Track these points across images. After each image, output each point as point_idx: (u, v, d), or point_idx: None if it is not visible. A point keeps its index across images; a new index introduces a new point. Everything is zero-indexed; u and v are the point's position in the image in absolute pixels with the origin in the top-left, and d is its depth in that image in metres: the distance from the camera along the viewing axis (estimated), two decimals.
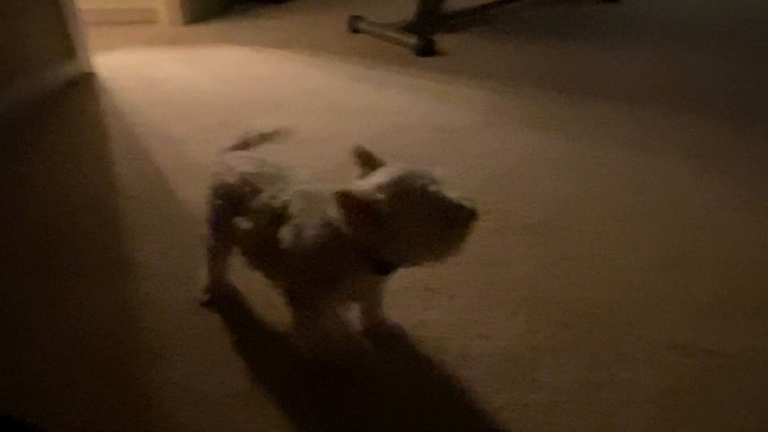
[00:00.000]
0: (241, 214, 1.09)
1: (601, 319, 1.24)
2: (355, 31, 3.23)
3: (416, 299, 1.31)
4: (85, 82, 2.69)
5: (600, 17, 3.29)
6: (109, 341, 1.24)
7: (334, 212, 0.91)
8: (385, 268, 1.00)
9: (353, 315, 1.24)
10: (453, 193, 0.92)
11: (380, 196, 0.89)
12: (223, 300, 1.32)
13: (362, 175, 0.96)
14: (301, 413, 1.06)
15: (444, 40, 2.94)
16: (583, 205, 1.63)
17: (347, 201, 0.89)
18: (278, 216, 1.03)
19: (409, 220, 0.90)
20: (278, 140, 1.27)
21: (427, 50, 2.85)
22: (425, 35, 2.88)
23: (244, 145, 1.25)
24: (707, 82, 2.41)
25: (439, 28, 3.10)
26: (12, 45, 2.43)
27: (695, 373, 1.11)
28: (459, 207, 0.91)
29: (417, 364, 1.16)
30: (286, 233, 1.01)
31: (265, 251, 1.07)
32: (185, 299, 1.33)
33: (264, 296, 1.32)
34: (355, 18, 3.22)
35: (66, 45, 2.69)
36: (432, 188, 0.90)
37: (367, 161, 0.97)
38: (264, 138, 1.26)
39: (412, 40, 2.88)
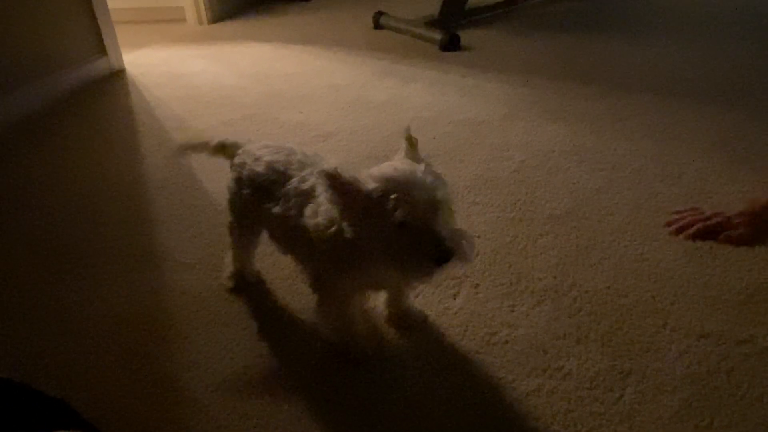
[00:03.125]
0: (272, 200, 1.10)
1: (629, 309, 1.22)
2: (380, 27, 3.23)
3: (441, 287, 1.31)
4: (116, 79, 2.75)
5: (625, 10, 3.24)
6: (138, 326, 1.26)
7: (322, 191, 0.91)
8: None
9: (379, 302, 1.24)
10: (446, 225, 0.87)
11: (372, 185, 0.87)
12: (248, 287, 1.34)
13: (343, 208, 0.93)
14: (325, 398, 1.07)
15: (468, 35, 2.93)
16: (609, 195, 1.61)
17: (333, 182, 0.88)
18: (305, 197, 1.04)
19: (385, 224, 0.87)
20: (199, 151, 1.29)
21: (451, 45, 2.84)
22: (450, 30, 2.87)
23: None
24: (733, 73, 2.36)
25: (464, 24, 3.09)
26: (46, 43, 2.49)
27: (727, 363, 1.09)
28: (438, 242, 0.84)
29: (441, 352, 1.15)
30: (308, 223, 1.01)
31: (294, 234, 1.08)
32: (212, 286, 1.35)
33: (289, 283, 1.33)
34: (380, 14, 3.23)
35: (97, 43, 2.76)
36: (423, 207, 0.86)
37: (412, 148, 0.96)
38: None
39: (437, 35, 2.87)
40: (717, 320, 1.18)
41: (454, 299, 1.28)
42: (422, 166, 0.91)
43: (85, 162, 1.98)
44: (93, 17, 2.71)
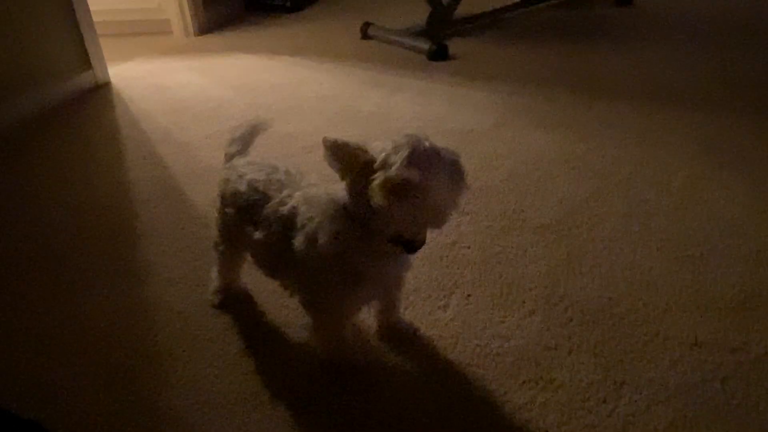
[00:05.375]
0: (252, 223, 1.07)
1: (620, 318, 1.21)
2: (367, 37, 3.23)
3: (432, 299, 1.29)
4: (101, 92, 2.72)
5: (613, 20, 3.26)
6: (120, 342, 1.23)
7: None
8: (411, 246, 0.95)
9: (369, 315, 1.22)
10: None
11: (413, 173, 0.85)
12: (234, 302, 1.31)
13: (340, 170, 0.92)
14: (314, 413, 1.04)
15: (456, 45, 2.93)
16: (600, 203, 1.60)
17: (393, 189, 0.84)
18: (287, 222, 1.01)
19: (438, 183, 0.88)
20: (264, 128, 1.25)
21: (439, 55, 2.83)
22: (437, 40, 2.87)
23: (245, 145, 1.24)
24: (718, 79, 2.37)
25: (451, 33, 3.09)
26: (30, 56, 2.46)
27: (721, 371, 1.07)
28: (456, 159, 0.94)
29: (433, 364, 1.13)
30: (299, 242, 0.99)
31: (280, 260, 1.05)
32: (197, 301, 1.33)
33: (275, 297, 1.31)
34: (367, 24, 3.22)
35: (82, 56, 2.73)
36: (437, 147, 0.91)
37: (340, 152, 0.91)
38: (253, 129, 1.24)
39: (425, 44, 2.86)
40: (710, 328, 1.17)
41: (445, 311, 1.26)
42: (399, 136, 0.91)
43: (69, 176, 1.95)
44: (77, 30, 2.68)
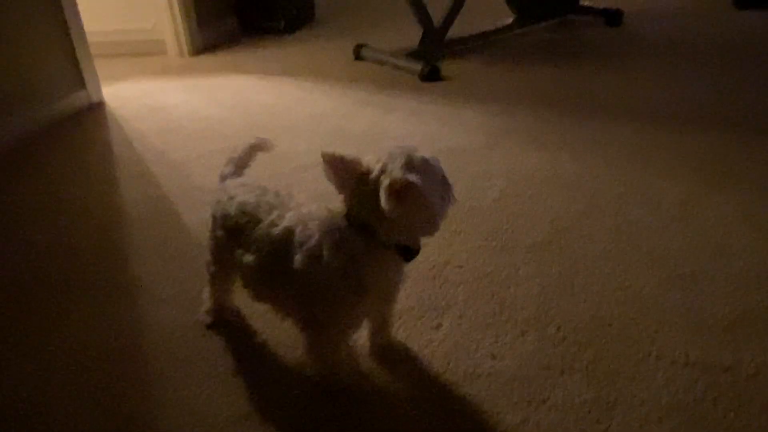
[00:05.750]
0: (242, 245, 1.08)
1: (613, 338, 1.21)
2: (360, 58, 3.26)
3: (425, 319, 1.29)
4: (95, 111, 2.72)
5: (602, 41, 3.31)
6: (113, 362, 1.22)
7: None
8: (409, 253, 0.98)
9: (361, 336, 1.21)
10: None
11: (414, 177, 0.88)
12: (226, 322, 1.30)
13: (337, 183, 0.95)
14: None
15: (448, 66, 2.96)
16: (591, 222, 1.61)
17: (398, 192, 0.88)
18: (281, 244, 1.02)
19: (433, 189, 0.92)
20: (266, 149, 1.26)
21: (431, 76, 2.86)
22: (429, 61, 2.90)
23: (240, 166, 1.24)
24: (710, 98, 2.41)
25: (443, 54, 3.13)
26: (24, 75, 2.47)
27: (713, 391, 1.07)
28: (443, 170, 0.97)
29: (426, 385, 1.13)
30: (299, 260, 0.99)
31: (273, 282, 1.05)
32: (189, 321, 1.32)
33: (267, 317, 1.30)
34: (360, 46, 3.26)
35: (76, 76, 2.74)
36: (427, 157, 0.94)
37: (338, 165, 0.94)
38: (252, 149, 1.25)
39: (417, 66, 2.90)
40: (702, 347, 1.17)
41: (437, 330, 1.26)
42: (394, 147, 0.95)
43: (62, 195, 1.95)
44: (72, 50, 2.70)
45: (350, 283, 0.97)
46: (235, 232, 1.10)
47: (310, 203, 1.06)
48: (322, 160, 0.92)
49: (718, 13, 3.67)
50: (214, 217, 1.17)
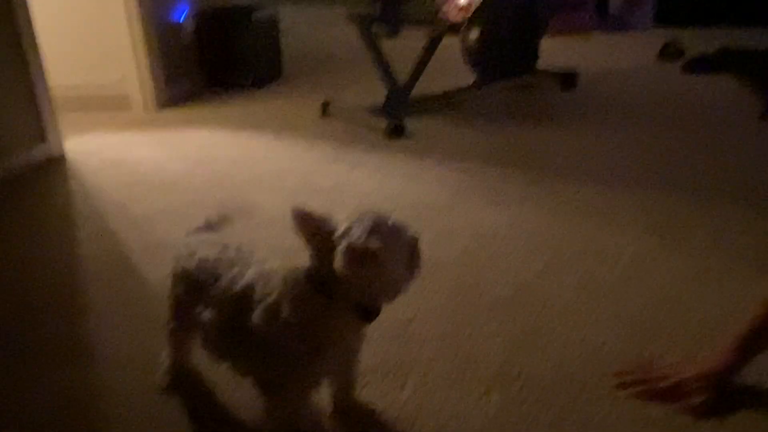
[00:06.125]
0: (202, 302, 1.06)
1: (575, 395, 1.22)
2: (328, 114, 3.32)
3: (389, 378, 1.28)
4: (56, 165, 2.69)
5: (558, 103, 3.46)
6: (66, 427, 1.16)
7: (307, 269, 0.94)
8: (368, 315, 0.97)
9: (324, 396, 1.19)
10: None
11: (374, 243, 0.88)
12: (184, 383, 1.26)
13: (305, 239, 0.95)
14: None
15: (413, 124, 3.04)
16: (551, 279, 1.64)
17: (355, 256, 0.88)
18: (241, 301, 1.01)
19: (397, 257, 0.92)
20: (241, 219, 1.26)
21: (396, 132, 2.93)
22: (395, 118, 2.98)
23: (209, 227, 1.24)
24: (660, 159, 2.52)
25: (408, 112, 3.21)
26: None
27: None
28: (415, 239, 0.97)
29: None
30: (258, 317, 0.98)
31: (232, 340, 1.04)
32: (146, 384, 1.27)
33: (227, 378, 1.26)
34: (327, 103, 3.33)
35: (37, 129, 2.71)
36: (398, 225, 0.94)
37: (306, 222, 0.94)
38: (226, 219, 1.25)
39: (383, 122, 2.97)
40: (661, 405, 1.19)
41: (402, 390, 1.24)
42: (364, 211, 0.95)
43: (16, 251, 1.89)
44: (33, 102, 2.67)
45: (306, 342, 0.96)
46: (195, 288, 1.08)
47: (272, 259, 1.06)
48: (291, 214, 0.92)
49: (668, 77, 3.89)
50: (174, 275, 1.15)
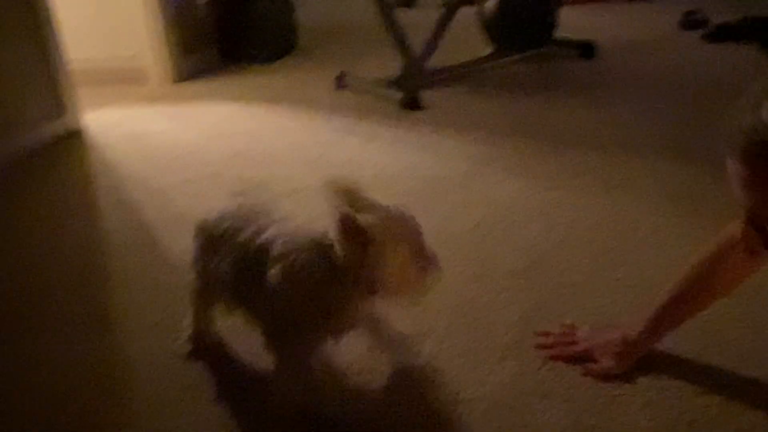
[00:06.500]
0: (222, 253, 1.08)
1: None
2: (342, 87, 3.31)
3: (404, 346, 1.30)
4: (74, 139, 2.72)
5: (577, 73, 3.41)
6: (90, 394, 1.21)
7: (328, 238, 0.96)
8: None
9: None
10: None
11: (366, 220, 0.92)
12: (207, 350, 1.30)
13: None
14: None
15: (429, 95, 3.02)
16: (568, 250, 1.64)
17: (346, 228, 0.92)
18: (259, 253, 1.03)
19: (395, 258, 0.93)
20: (260, 194, 1.28)
21: (412, 104, 2.92)
22: (411, 90, 2.96)
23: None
24: (680, 131, 2.48)
25: (424, 84, 3.19)
26: (2, 103, 2.46)
27: (687, 415, 1.09)
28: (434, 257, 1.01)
29: (404, 412, 1.13)
30: (273, 274, 1.00)
31: (246, 287, 1.07)
32: (168, 351, 1.31)
33: (249, 345, 1.30)
34: (342, 75, 3.31)
35: (56, 103, 2.73)
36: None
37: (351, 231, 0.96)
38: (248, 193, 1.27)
39: (398, 94, 2.95)
40: (676, 372, 1.19)
41: (418, 357, 1.26)
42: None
43: (37, 224, 1.93)
44: (51, 77, 2.70)
45: (316, 306, 1.00)
46: (215, 239, 1.11)
47: (292, 218, 1.09)
48: (338, 218, 0.93)
49: (689, 46, 3.81)
50: (197, 227, 1.18)
